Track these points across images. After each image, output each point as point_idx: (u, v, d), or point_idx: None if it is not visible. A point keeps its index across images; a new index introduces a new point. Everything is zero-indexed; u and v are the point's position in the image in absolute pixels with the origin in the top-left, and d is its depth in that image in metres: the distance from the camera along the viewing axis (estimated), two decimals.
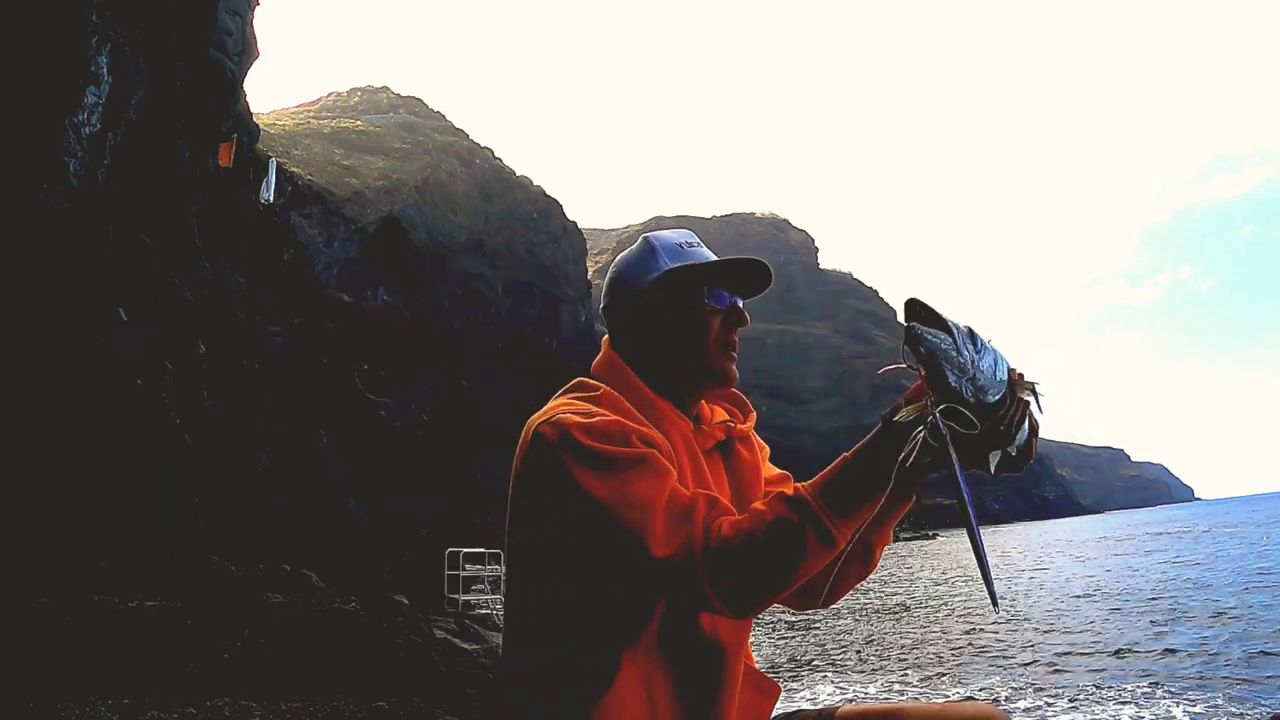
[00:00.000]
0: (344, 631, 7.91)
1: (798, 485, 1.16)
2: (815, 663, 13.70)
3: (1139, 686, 10.02)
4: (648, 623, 1.21)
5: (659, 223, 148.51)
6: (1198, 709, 8.86)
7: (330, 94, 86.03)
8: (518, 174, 78.06)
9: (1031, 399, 1.15)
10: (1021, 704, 9.51)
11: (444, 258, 58.20)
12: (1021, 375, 1.14)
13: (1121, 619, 15.81)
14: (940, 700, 1.65)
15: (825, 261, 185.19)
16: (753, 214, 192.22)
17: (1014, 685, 10.65)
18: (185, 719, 5.61)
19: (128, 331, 12.53)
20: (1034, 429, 1.18)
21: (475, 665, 8.63)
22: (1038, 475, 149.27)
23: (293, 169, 46.39)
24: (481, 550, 16.44)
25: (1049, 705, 9.46)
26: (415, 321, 47.49)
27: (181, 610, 7.42)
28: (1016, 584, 24.38)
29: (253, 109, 26.84)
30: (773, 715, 1.39)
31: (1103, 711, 9.05)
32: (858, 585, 1.44)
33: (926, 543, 70.04)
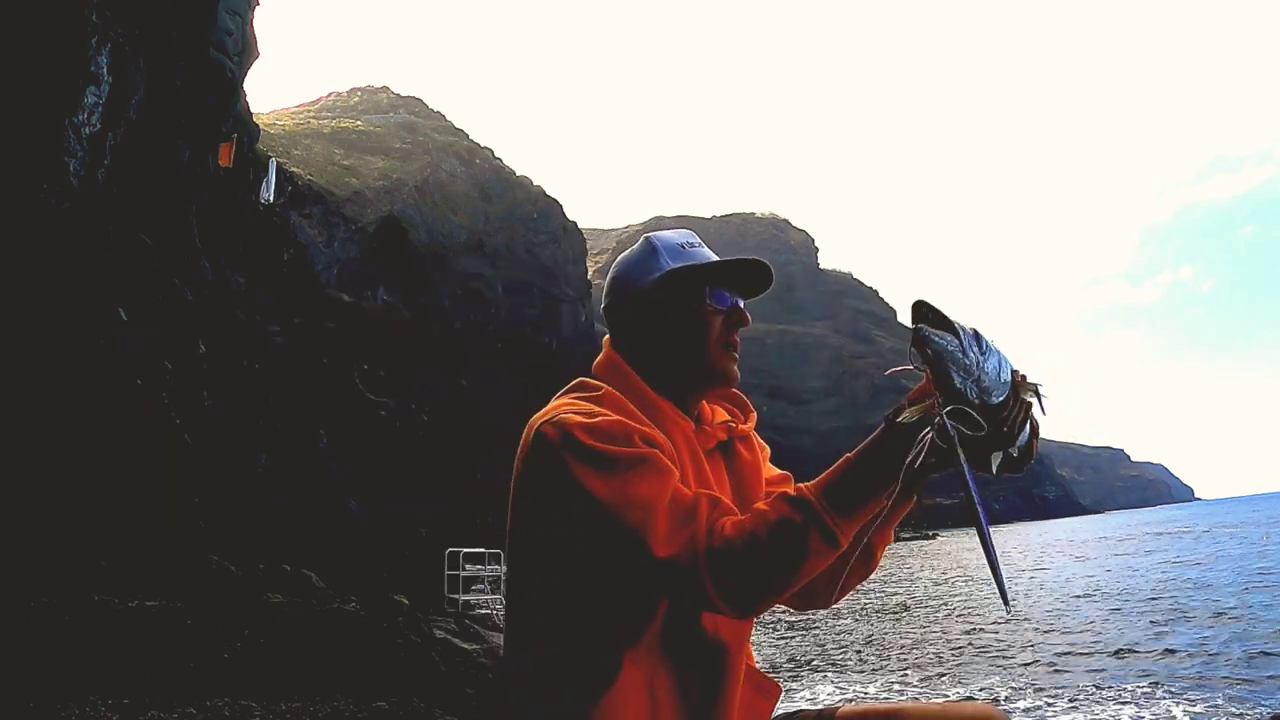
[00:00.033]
0: (344, 631, 7.91)
1: (800, 485, 1.16)
2: (815, 663, 13.70)
3: (1139, 686, 10.03)
4: (649, 623, 1.21)
5: (659, 223, 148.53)
6: (1198, 709, 8.86)
7: (330, 94, 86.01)
8: (518, 174, 78.03)
9: (1034, 400, 1.16)
10: (1021, 704, 9.51)
11: (444, 258, 58.19)
12: (1024, 377, 1.15)
13: (1121, 619, 15.81)
14: (940, 700, 1.65)
15: (825, 261, 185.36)
16: (753, 214, 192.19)
17: (1014, 685, 10.65)
18: (185, 719, 5.61)
19: (128, 331, 12.53)
20: (1034, 429, 1.18)
21: (475, 665, 8.62)
22: (1038, 475, 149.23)
23: (293, 169, 46.39)
24: (481, 550, 16.43)
25: (1049, 705, 9.46)
26: (415, 321, 47.48)
27: (181, 610, 7.42)
28: (1016, 584, 24.37)
29: (253, 109, 26.84)
30: (773, 715, 1.39)
31: (1103, 711, 9.05)
32: (858, 585, 1.44)
33: (926, 543, 70.03)
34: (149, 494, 10.88)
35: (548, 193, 78.71)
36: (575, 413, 1.20)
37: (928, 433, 1.08)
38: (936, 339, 1.07)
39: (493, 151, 77.01)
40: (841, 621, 18.66)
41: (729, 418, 1.43)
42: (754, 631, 1.44)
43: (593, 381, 1.33)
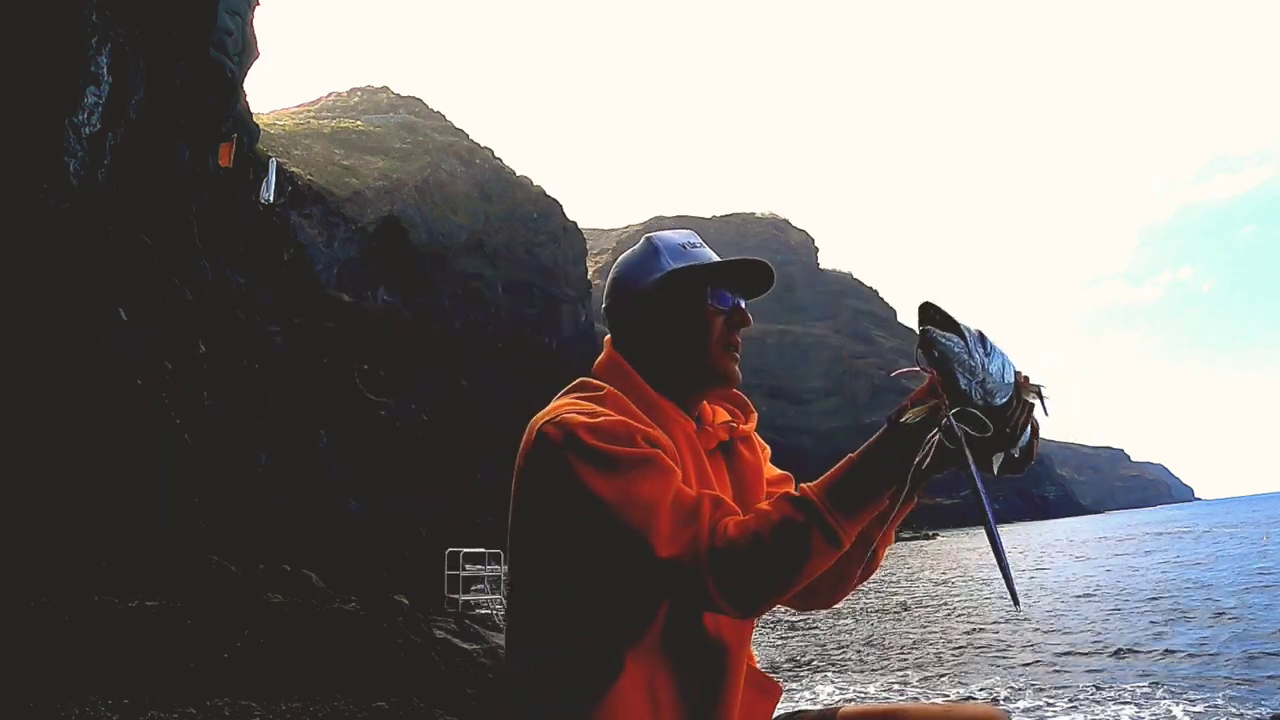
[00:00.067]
0: (344, 631, 7.91)
1: (803, 486, 1.16)
2: (815, 663, 13.70)
3: (1139, 686, 10.03)
4: (651, 623, 1.21)
5: (659, 223, 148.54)
6: (1198, 709, 8.87)
7: (330, 94, 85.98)
8: (518, 174, 78.02)
9: (1037, 401, 1.17)
10: (1021, 704, 9.52)
11: (444, 258, 58.18)
12: (1027, 378, 1.16)
13: (1121, 619, 15.82)
14: (940, 700, 1.65)
15: (825, 261, 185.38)
16: (753, 214, 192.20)
17: (1014, 685, 10.65)
18: (185, 719, 5.61)
19: (128, 331, 12.52)
20: (1035, 430, 1.19)
21: (475, 665, 8.62)
22: (1038, 475, 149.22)
23: (293, 169, 46.38)
24: (481, 550, 16.43)
25: (1049, 705, 9.47)
26: (415, 321, 47.48)
27: (181, 610, 7.42)
28: (1017, 584, 24.33)
29: (253, 109, 26.83)
30: (774, 716, 1.39)
31: (1103, 711, 9.06)
32: (859, 585, 1.45)
33: (926, 543, 70.04)
34: (149, 494, 10.87)
35: (548, 193, 78.71)
36: (578, 412, 1.20)
37: (935, 434, 1.09)
38: (943, 340, 1.08)
39: (493, 151, 77.02)
40: (841, 621, 18.66)
41: (730, 418, 1.43)
42: (754, 631, 1.44)
43: (594, 381, 1.32)
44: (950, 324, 1.08)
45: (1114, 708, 9.16)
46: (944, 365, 1.08)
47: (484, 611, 14.91)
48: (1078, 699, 9.68)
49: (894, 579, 30.84)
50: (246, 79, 22.35)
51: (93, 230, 12.17)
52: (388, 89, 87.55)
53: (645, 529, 1.10)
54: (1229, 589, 19.00)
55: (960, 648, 13.93)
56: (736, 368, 1.38)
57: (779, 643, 16.35)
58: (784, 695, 1.41)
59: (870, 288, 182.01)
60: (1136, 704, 9.23)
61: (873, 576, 1.44)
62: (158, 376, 12.85)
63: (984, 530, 1.12)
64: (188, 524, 11.39)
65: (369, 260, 48.92)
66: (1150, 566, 27.89)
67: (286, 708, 6.14)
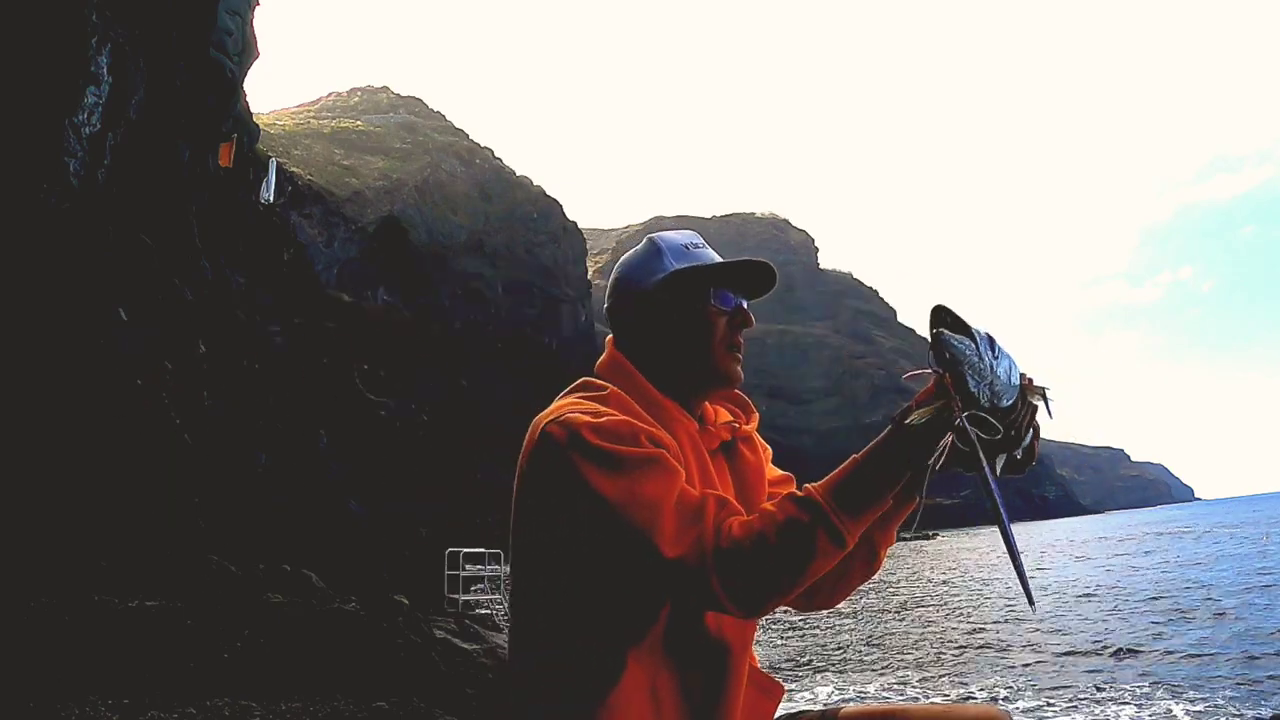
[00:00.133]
0: (344, 631, 7.91)
1: (808, 486, 1.16)
2: (815, 663, 13.71)
3: (1139, 686, 10.04)
4: (654, 623, 1.20)
5: (659, 223, 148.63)
6: (1198, 709, 8.87)
7: (330, 94, 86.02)
8: (518, 174, 78.08)
9: (1041, 403, 1.18)
10: (1021, 704, 9.52)
11: (444, 258, 58.21)
12: (1031, 380, 1.17)
13: (1121, 619, 15.83)
14: (941, 700, 1.65)
15: (825, 261, 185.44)
16: (753, 214, 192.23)
17: (1014, 685, 10.65)
18: (185, 719, 5.61)
19: (128, 331, 12.52)
20: (1035, 431, 1.20)
21: (475, 665, 8.61)
22: (1038, 475, 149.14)
23: (293, 169, 46.40)
24: (481, 550, 16.43)
25: (1049, 705, 9.47)
26: (415, 321, 47.51)
27: (181, 610, 7.42)
28: (1016, 583, 24.39)
29: (253, 109, 26.83)
30: (776, 716, 1.39)
31: (1103, 711, 9.06)
32: (860, 585, 1.45)
33: (926, 543, 70.04)
34: (149, 494, 10.87)
35: (548, 193, 78.79)
36: (582, 412, 1.20)
37: (949, 436, 1.10)
38: (956, 343, 1.09)
39: (493, 151, 77.07)
40: (842, 621, 18.67)
41: (732, 418, 1.43)
42: (756, 632, 1.44)
43: (597, 381, 1.32)
44: (962, 327, 1.10)
45: (1114, 708, 9.17)
46: (955, 368, 1.08)
47: (484, 611, 14.92)
48: (1078, 699, 9.69)
49: (894, 579, 30.85)
50: (246, 79, 22.35)
51: (93, 230, 12.17)
52: (388, 89, 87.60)
53: (650, 529, 1.10)
54: (1229, 589, 19.01)
55: (960, 648, 13.94)
56: (739, 368, 1.38)
57: (779, 643, 16.35)
58: (785, 695, 1.42)
59: (870, 288, 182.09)
60: (1136, 704, 9.24)
61: (873, 576, 1.45)
62: (158, 376, 12.85)
63: (998, 531, 1.13)
64: (188, 524, 11.39)
65: (369, 260, 48.96)
66: (1150, 566, 27.91)
67: (286, 708, 6.14)
